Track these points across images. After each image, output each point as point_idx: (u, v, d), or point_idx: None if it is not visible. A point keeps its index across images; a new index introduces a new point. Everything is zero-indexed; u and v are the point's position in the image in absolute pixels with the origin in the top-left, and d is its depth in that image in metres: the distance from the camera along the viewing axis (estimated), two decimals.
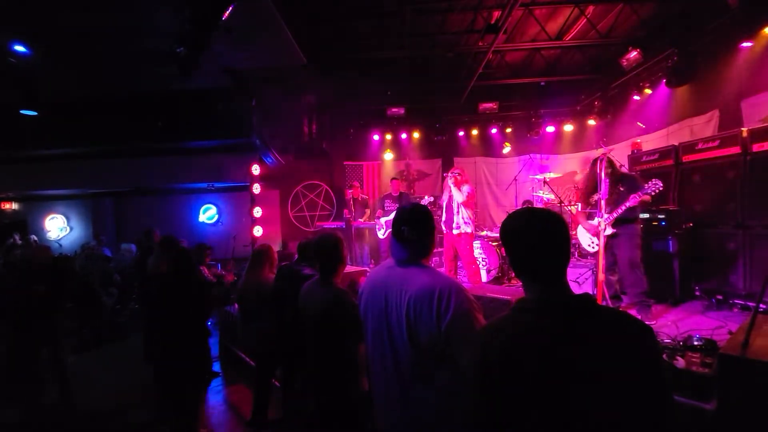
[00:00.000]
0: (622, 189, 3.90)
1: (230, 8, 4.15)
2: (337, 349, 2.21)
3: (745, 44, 5.11)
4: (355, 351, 2.20)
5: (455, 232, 5.03)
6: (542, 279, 1.10)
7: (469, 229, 5.01)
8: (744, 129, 4.24)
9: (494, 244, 6.05)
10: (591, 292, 4.57)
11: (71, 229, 10.47)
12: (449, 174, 5.18)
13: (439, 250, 7.74)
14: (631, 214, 3.87)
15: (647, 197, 3.76)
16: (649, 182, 3.75)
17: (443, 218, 5.21)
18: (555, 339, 1.02)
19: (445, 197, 5.22)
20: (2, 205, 10.46)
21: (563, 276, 1.10)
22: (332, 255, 2.30)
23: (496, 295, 3.12)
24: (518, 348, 1.06)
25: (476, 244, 5.92)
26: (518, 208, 6.92)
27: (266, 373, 3.58)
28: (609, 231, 3.87)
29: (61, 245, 9.96)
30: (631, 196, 3.76)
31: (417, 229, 1.58)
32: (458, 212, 5.01)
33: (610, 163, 3.91)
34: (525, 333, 1.07)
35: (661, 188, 3.71)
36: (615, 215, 3.82)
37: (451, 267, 5.31)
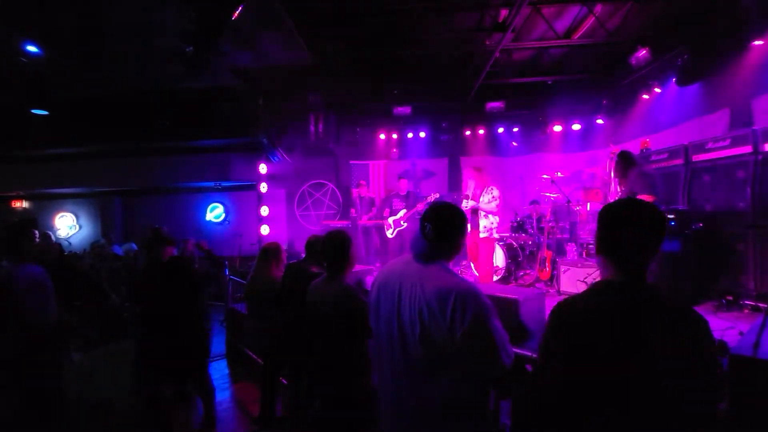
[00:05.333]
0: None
1: (240, 8, 4.17)
2: (345, 346, 2.22)
3: (756, 42, 5.05)
4: (363, 348, 2.21)
5: (482, 235, 5.09)
6: (623, 264, 1.19)
7: (491, 235, 5.11)
8: (755, 128, 4.20)
9: (501, 243, 6.03)
10: None
11: (80, 227, 10.58)
12: (472, 184, 5.17)
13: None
14: None
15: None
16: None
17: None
18: (623, 318, 1.12)
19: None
20: (13, 203, 10.59)
21: (644, 266, 1.20)
22: (339, 253, 2.30)
23: (503, 295, 3.12)
24: (587, 323, 1.16)
25: None
26: (525, 206, 6.88)
27: (274, 371, 3.60)
28: None
29: (70, 243, 10.07)
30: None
31: (438, 229, 1.53)
32: (487, 216, 5.08)
33: (618, 162, 3.87)
34: (595, 310, 1.17)
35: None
36: None
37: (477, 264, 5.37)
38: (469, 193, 5.12)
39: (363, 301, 2.18)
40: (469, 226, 5.15)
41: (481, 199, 5.01)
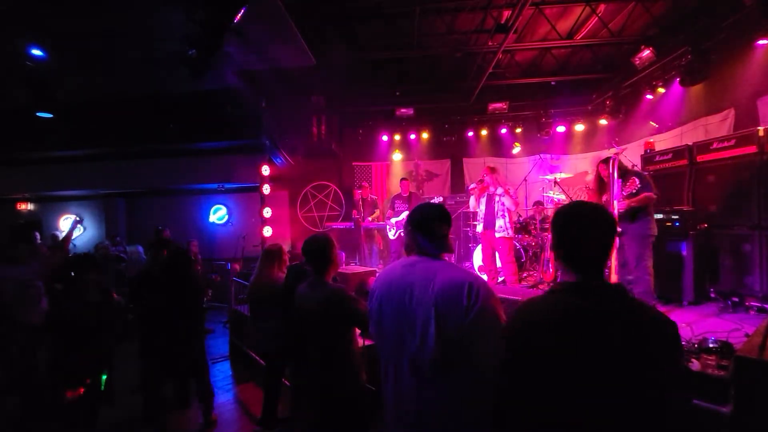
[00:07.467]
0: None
1: (242, 11, 4.17)
2: (333, 346, 2.25)
3: (761, 42, 5.02)
4: (353, 347, 2.26)
5: (498, 235, 5.11)
6: (580, 266, 1.18)
7: (508, 234, 5.13)
8: (760, 128, 4.16)
9: None
10: None
11: (85, 229, 10.64)
12: (487, 180, 5.23)
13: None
14: (636, 211, 3.84)
15: (628, 202, 3.82)
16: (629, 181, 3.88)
17: (481, 217, 5.30)
18: (579, 314, 1.10)
19: (479, 200, 5.33)
20: (18, 205, 10.67)
21: (601, 266, 1.18)
22: (321, 255, 2.34)
23: (506, 296, 3.11)
24: (543, 320, 1.16)
25: None
26: (528, 207, 6.88)
27: (276, 372, 3.60)
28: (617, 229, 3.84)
29: (75, 245, 10.11)
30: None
31: (446, 225, 1.65)
32: (504, 216, 5.09)
33: (621, 164, 3.92)
34: (552, 308, 1.17)
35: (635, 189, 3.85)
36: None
37: (491, 266, 5.39)
38: (474, 187, 5.31)
39: (351, 298, 2.22)
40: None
41: (507, 201, 5.11)
